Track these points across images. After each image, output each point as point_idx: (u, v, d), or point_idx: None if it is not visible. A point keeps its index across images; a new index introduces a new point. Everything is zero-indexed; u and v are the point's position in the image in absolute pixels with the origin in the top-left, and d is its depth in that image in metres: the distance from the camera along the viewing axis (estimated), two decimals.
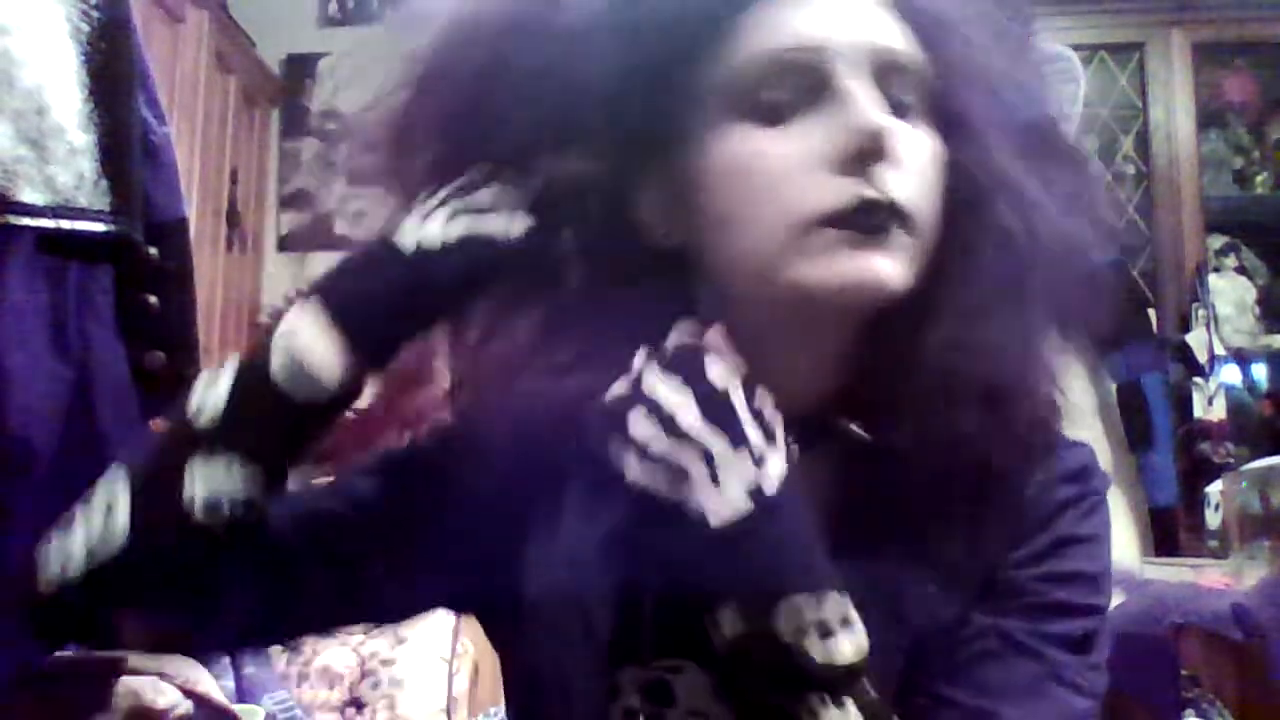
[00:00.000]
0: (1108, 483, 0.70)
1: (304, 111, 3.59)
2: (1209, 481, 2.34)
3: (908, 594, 0.64)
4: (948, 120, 0.64)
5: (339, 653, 1.80)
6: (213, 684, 1.01)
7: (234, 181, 3.18)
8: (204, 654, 0.71)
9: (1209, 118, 3.20)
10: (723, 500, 0.57)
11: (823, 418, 0.66)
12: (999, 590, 0.65)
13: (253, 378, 0.62)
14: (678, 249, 0.66)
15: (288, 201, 3.54)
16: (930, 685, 0.63)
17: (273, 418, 0.62)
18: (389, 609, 0.75)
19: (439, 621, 1.93)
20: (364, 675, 1.79)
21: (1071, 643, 0.65)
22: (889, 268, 0.60)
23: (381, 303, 0.63)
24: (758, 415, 0.60)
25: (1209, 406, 2.89)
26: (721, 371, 0.60)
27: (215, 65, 2.99)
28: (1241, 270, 3.17)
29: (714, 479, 0.57)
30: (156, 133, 0.86)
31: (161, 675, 0.95)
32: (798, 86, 0.61)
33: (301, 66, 3.60)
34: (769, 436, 0.59)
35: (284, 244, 3.51)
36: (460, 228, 0.62)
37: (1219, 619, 1.61)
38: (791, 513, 0.59)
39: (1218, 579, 1.98)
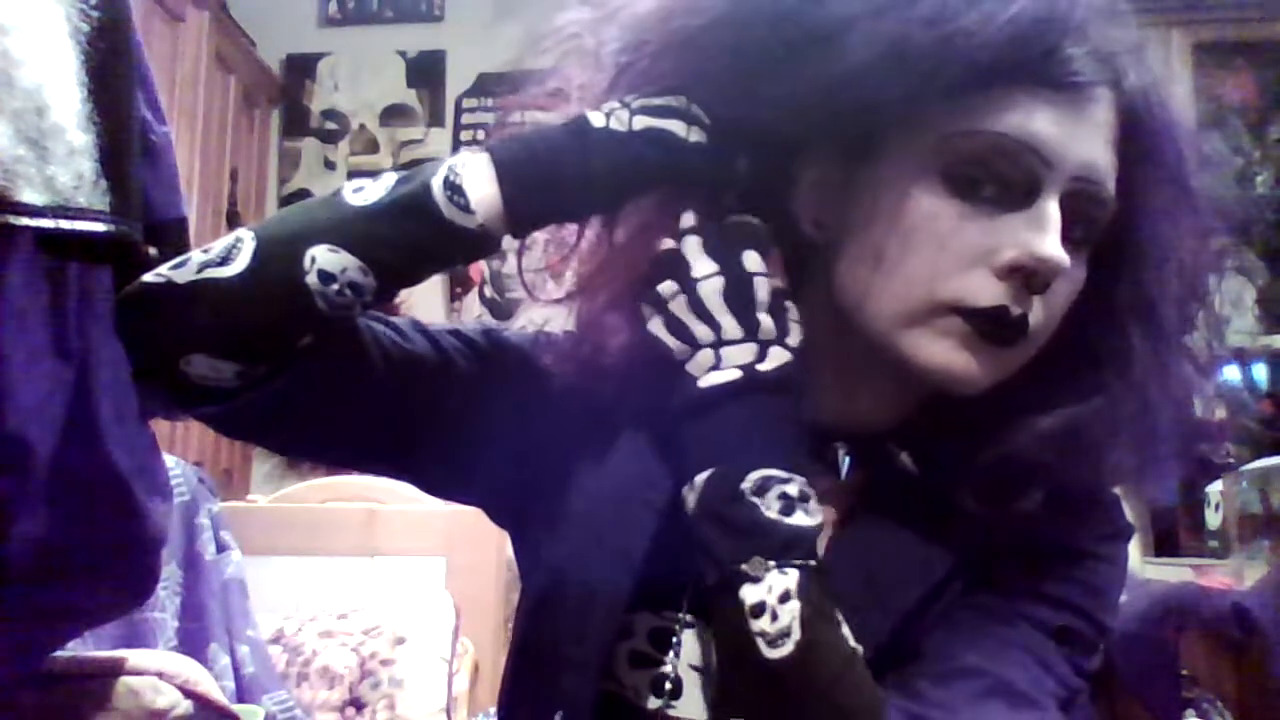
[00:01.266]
0: (1131, 530, 0.73)
1: (304, 111, 3.59)
2: (1209, 481, 2.33)
3: (900, 590, 0.66)
4: (1115, 244, 0.66)
5: (339, 653, 1.80)
6: (213, 684, 1.01)
7: (234, 181, 3.18)
8: (238, 427, 0.71)
9: (1209, 118, 3.20)
10: (717, 371, 0.62)
11: (878, 442, 0.70)
12: (992, 579, 0.68)
13: (415, 181, 0.64)
14: (818, 244, 0.69)
15: (288, 201, 3.54)
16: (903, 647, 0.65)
17: (414, 221, 0.63)
18: (424, 471, 0.76)
19: (439, 621, 1.93)
20: (364, 675, 1.79)
21: (1050, 629, 0.67)
22: (988, 371, 0.64)
23: (545, 170, 0.64)
24: (777, 304, 0.63)
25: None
26: (755, 260, 0.63)
27: (215, 65, 3.00)
28: (1241, 270, 3.17)
29: (716, 353, 0.62)
30: (156, 133, 0.86)
31: (161, 675, 0.95)
32: (1005, 179, 0.62)
33: (301, 66, 3.60)
34: (782, 328, 0.63)
35: None
36: (642, 122, 0.63)
37: (1219, 619, 1.61)
38: (781, 399, 0.62)
39: (1218, 579, 1.98)
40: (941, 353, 0.63)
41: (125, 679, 0.93)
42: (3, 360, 0.73)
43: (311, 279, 0.62)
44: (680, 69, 0.64)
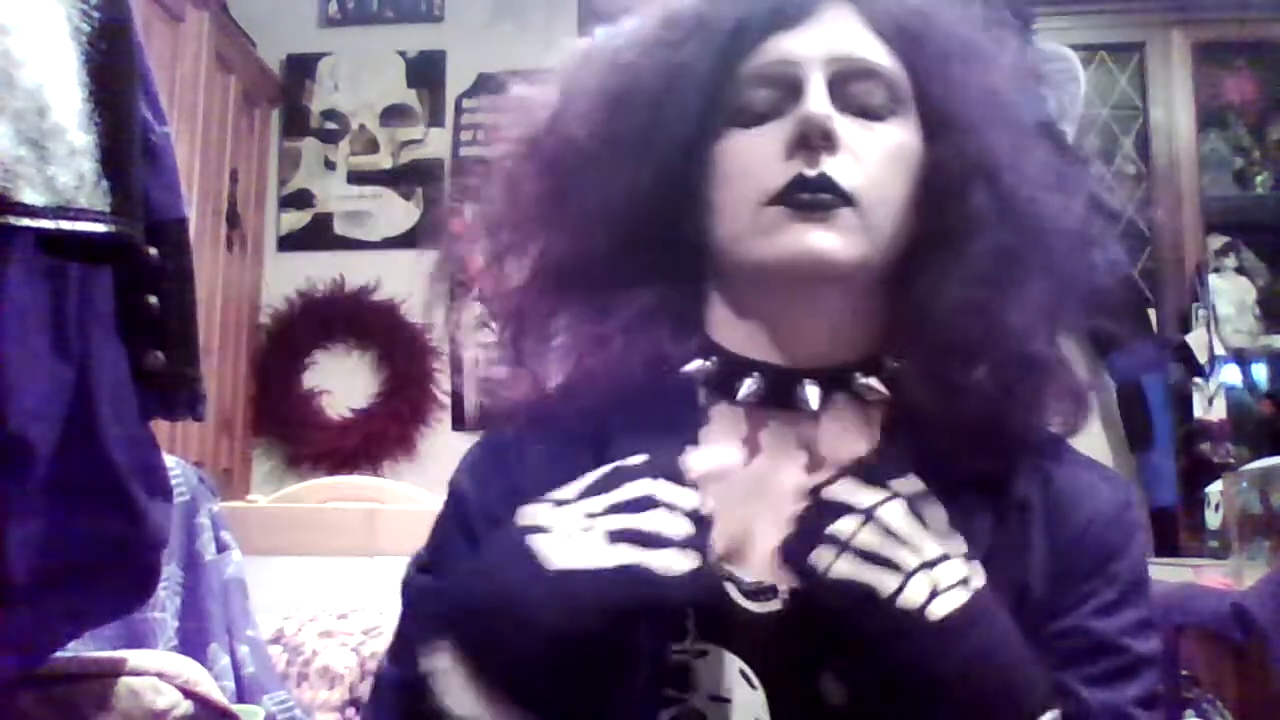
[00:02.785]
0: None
1: (304, 111, 3.59)
2: (1209, 481, 2.33)
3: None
4: (930, 118, 0.71)
5: (339, 653, 1.80)
6: (213, 684, 1.01)
7: (234, 181, 3.18)
8: None
9: (1209, 118, 3.20)
10: (939, 597, 0.60)
11: (843, 376, 0.72)
12: (1077, 642, 0.67)
13: None
14: (700, 238, 0.74)
15: (288, 201, 3.54)
16: None
17: None
18: None
19: None
20: (364, 675, 1.79)
21: (1144, 702, 0.67)
22: (830, 242, 0.67)
23: (526, 654, 0.58)
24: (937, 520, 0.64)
25: (1209, 406, 2.89)
26: (915, 480, 0.64)
27: (215, 65, 2.99)
28: (1241, 270, 3.17)
29: (928, 575, 0.60)
30: (156, 133, 0.86)
31: (161, 675, 0.95)
32: (776, 95, 0.70)
33: (301, 66, 3.60)
34: (948, 527, 0.64)
35: (284, 244, 3.51)
36: (620, 556, 0.58)
37: (1219, 619, 1.61)
38: (999, 612, 0.62)
39: (1218, 579, 1.98)
40: (777, 243, 0.68)
41: (125, 679, 0.93)
42: (3, 360, 0.73)
43: None
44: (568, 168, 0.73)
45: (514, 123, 0.78)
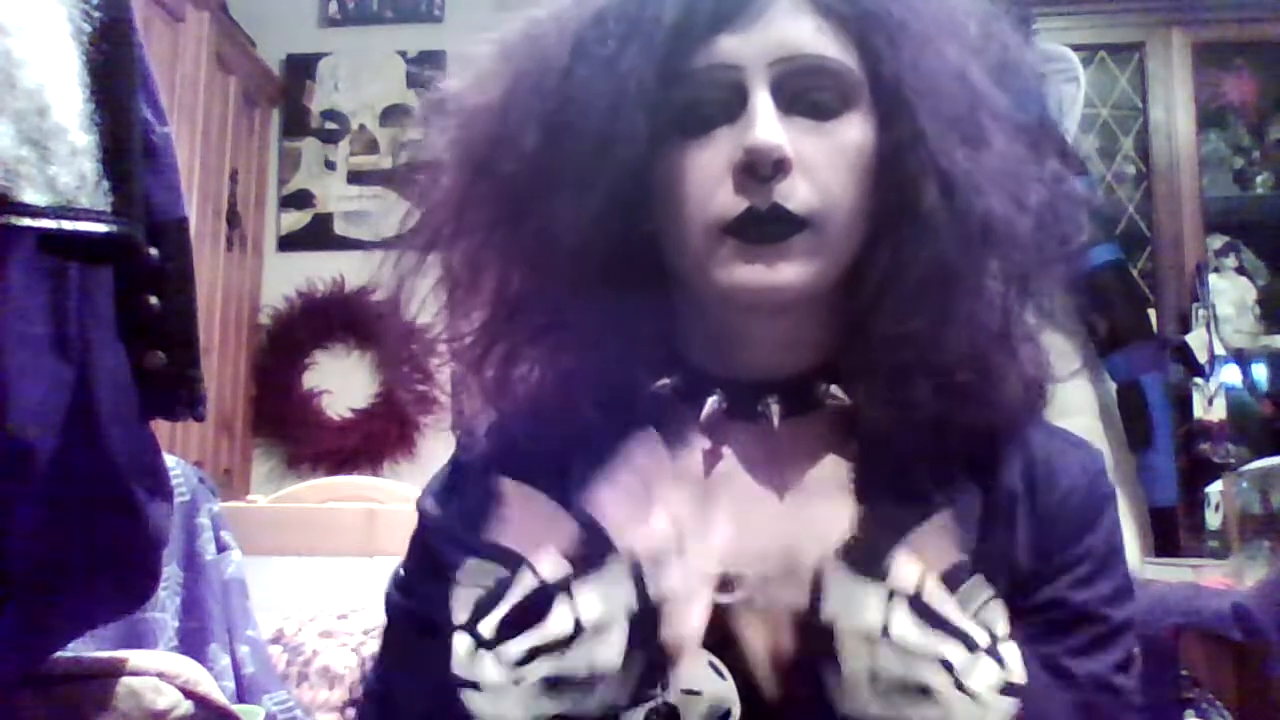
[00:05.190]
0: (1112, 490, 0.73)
1: (304, 111, 3.59)
2: (1209, 481, 2.33)
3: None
4: (883, 104, 0.68)
5: (339, 653, 1.80)
6: (213, 684, 1.01)
7: (234, 181, 3.18)
8: None
9: (1209, 118, 3.20)
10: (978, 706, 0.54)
11: (806, 385, 0.71)
12: (1058, 614, 0.67)
13: None
14: (659, 255, 0.72)
15: (288, 201, 3.54)
16: None
17: None
18: None
19: None
20: (364, 675, 1.79)
21: (1122, 666, 0.68)
22: (784, 273, 0.66)
23: None
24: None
25: (1209, 406, 2.88)
26: (911, 560, 0.58)
27: (215, 65, 2.99)
28: (1241, 270, 3.17)
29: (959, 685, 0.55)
30: (157, 133, 0.86)
31: (161, 675, 0.95)
32: (718, 100, 0.67)
33: (301, 66, 3.60)
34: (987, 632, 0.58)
35: (284, 244, 3.51)
36: (554, 707, 0.57)
37: (1219, 619, 1.61)
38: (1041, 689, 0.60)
39: (1218, 579, 1.98)
40: (730, 274, 0.66)
41: (126, 680, 0.93)
42: (3, 360, 0.73)
43: None
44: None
45: (452, 129, 0.74)
